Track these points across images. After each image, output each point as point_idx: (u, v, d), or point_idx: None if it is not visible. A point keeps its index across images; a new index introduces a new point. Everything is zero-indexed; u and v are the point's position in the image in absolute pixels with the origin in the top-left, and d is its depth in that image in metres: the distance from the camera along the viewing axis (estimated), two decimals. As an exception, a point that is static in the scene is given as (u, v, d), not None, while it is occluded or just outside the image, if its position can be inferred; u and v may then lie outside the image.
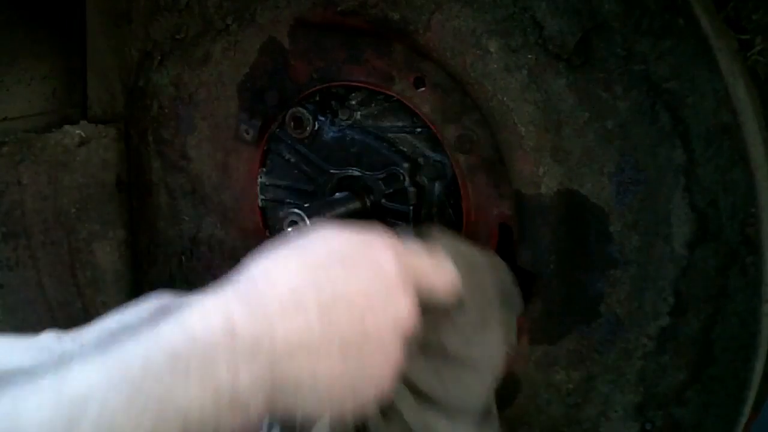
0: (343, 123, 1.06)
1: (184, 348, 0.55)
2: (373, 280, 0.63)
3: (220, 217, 1.23)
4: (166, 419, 0.53)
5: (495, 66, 0.89)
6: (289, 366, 0.59)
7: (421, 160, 1.02)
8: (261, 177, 1.15)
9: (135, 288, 1.39)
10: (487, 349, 0.73)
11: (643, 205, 0.85)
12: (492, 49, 0.89)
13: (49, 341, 0.63)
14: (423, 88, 0.98)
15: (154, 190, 1.30)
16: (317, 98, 1.09)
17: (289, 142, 1.10)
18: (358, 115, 1.05)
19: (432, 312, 0.68)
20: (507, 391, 0.98)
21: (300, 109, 1.06)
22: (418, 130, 1.03)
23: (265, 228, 1.18)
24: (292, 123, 1.07)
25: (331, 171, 1.06)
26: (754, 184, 0.79)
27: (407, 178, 1.00)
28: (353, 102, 1.06)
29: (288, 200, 1.11)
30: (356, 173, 1.04)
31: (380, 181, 1.02)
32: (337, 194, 1.03)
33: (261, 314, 0.59)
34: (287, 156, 1.11)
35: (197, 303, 0.58)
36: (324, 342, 0.60)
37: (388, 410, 0.69)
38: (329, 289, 0.61)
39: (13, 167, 1.22)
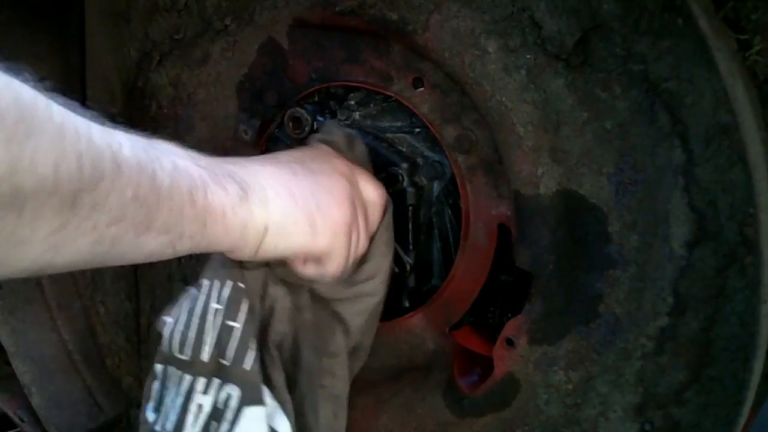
0: (341, 123, 1.06)
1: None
2: (330, 170, 0.85)
3: (220, 217, 1.23)
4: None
5: (494, 66, 0.89)
6: (270, 207, 0.77)
7: (419, 160, 1.02)
8: (260, 177, 1.15)
9: (135, 288, 1.39)
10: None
11: (641, 206, 0.85)
12: (490, 49, 0.89)
13: None
14: (421, 88, 0.98)
15: (153, 190, 1.30)
16: (316, 98, 1.09)
17: (288, 142, 1.10)
18: (356, 115, 1.05)
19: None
20: (506, 392, 0.98)
21: (299, 109, 1.06)
22: (417, 130, 1.03)
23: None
24: (290, 123, 1.07)
25: (330, 171, 1.06)
26: (753, 184, 0.78)
27: (406, 178, 1.00)
28: (352, 102, 1.06)
29: (287, 200, 1.11)
30: (355, 173, 1.04)
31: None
32: (336, 194, 1.03)
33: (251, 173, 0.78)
34: (286, 156, 1.11)
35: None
36: (297, 199, 0.80)
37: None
38: (300, 169, 0.83)
39: (12, 167, 1.22)
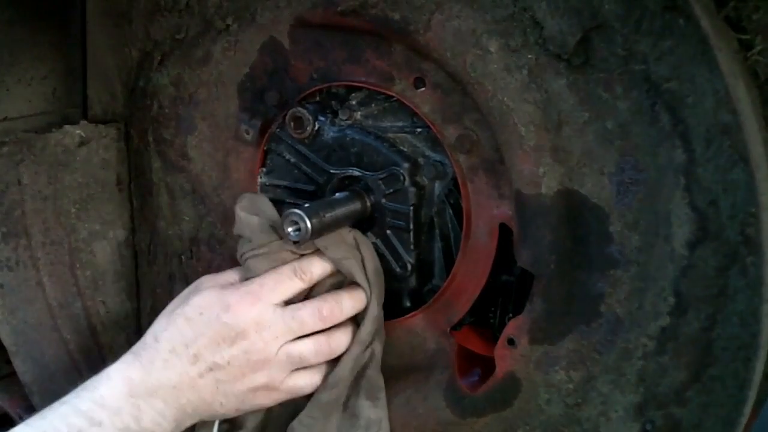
0: (343, 123, 1.06)
1: (97, 411, 0.89)
2: (221, 323, 0.95)
3: (220, 217, 1.23)
4: None
5: (495, 66, 0.89)
6: (179, 397, 0.93)
7: (421, 160, 1.02)
8: (261, 177, 1.15)
9: (135, 288, 1.39)
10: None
11: (643, 205, 0.85)
12: (492, 49, 0.89)
13: None
14: (423, 88, 0.98)
15: (154, 190, 1.30)
16: (317, 98, 1.09)
17: (290, 142, 1.10)
18: (358, 115, 1.05)
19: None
20: (507, 391, 0.98)
21: (300, 109, 1.06)
22: (419, 130, 1.03)
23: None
24: (292, 123, 1.07)
25: (331, 171, 1.07)
26: (755, 184, 0.78)
27: (407, 178, 1.00)
28: (353, 102, 1.06)
29: (288, 200, 1.11)
30: (356, 173, 1.04)
31: (380, 181, 1.02)
32: (337, 194, 1.03)
33: (151, 368, 0.93)
34: (287, 156, 1.11)
35: (107, 373, 0.93)
36: (196, 373, 0.94)
37: None
38: (192, 335, 0.95)
39: (13, 167, 1.22)
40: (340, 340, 1.01)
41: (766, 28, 0.83)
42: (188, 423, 0.97)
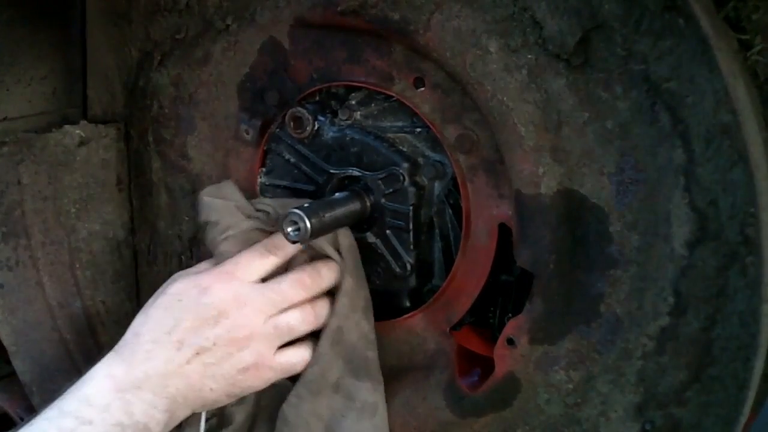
0: (343, 123, 1.06)
1: (85, 410, 0.88)
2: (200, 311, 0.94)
3: (220, 217, 1.23)
4: None
5: (495, 66, 0.89)
6: (167, 386, 0.92)
7: (421, 160, 1.02)
8: (261, 177, 1.15)
9: (135, 288, 1.39)
10: None
11: (642, 205, 0.85)
12: (492, 49, 0.89)
13: None
14: (423, 88, 0.98)
15: (154, 190, 1.30)
16: (317, 98, 1.09)
17: (289, 142, 1.10)
18: (357, 115, 1.05)
19: None
20: (507, 391, 0.98)
21: (300, 109, 1.06)
22: (418, 130, 1.03)
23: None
24: (292, 123, 1.07)
25: (331, 171, 1.07)
26: (754, 184, 0.78)
27: (407, 178, 1.00)
28: (353, 102, 1.06)
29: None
30: (356, 173, 1.04)
31: (380, 181, 1.02)
32: (337, 194, 1.03)
33: (132, 361, 0.92)
34: (287, 156, 1.11)
35: (90, 375, 0.92)
36: (182, 359, 0.92)
37: None
38: (172, 322, 0.94)
39: (13, 167, 1.22)
40: (324, 308, 1.01)
41: (765, 28, 0.83)
42: (181, 412, 0.95)
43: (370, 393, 1.03)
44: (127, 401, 0.90)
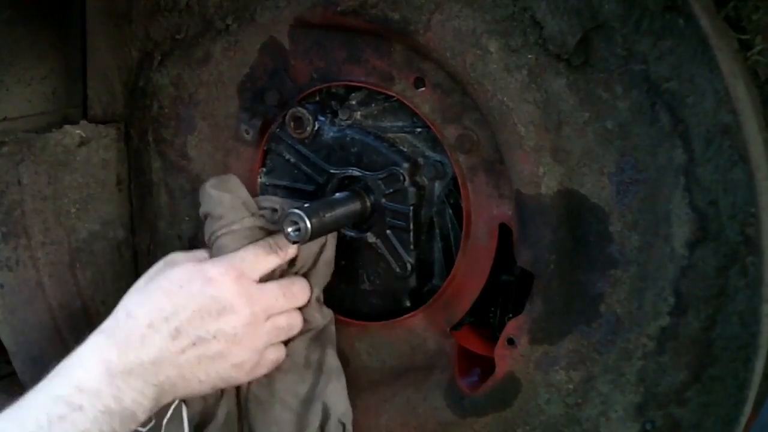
0: (343, 123, 1.06)
1: (76, 395, 0.85)
2: (201, 296, 0.93)
3: (220, 217, 1.23)
4: None
5: (495, 66, 0.89)
6: (158, 374, 0.90)
7: (421, 160, 1.02)
8: (261, 177, 1.15)
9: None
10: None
11: (643, 205, 0.85)
12: (492, 49, 0.89)
13: None
14: (423, 88, 0.98)
15: (154, 190, 1.30)
16: (317, 98, 1.09)
17: (289, 142, 1.10)
18: (358, 115, 1.05)
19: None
20: (507, 391, 0.98)
21: (300, 109, 1.06)
22: (418, 130, 1.03)
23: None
24: (292, 123, 1.07)
25: (331, 171, 1.07)
26: (754, 184, 0.79)
27: (407, 178, 1.00)
28: (353, 102, 1.06)
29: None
30: (356, 173, 1.04)
31: (380, 181, 1.02)
32: (337, 194, 1.03)
33: (127, 346, 0.90)
34: (287, 156, 1.11)
35: (80, 357, 0.89)
36: (177, 348, 0.91)
37: None
38: (172, 308, 0.92)
39: (13, 167, 1.22)
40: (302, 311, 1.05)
41: (766, 28, 0.83)
42: (165, 400, 0.94)
43: (333, 358, 1.08)
44: (118, 387, 0.88)
